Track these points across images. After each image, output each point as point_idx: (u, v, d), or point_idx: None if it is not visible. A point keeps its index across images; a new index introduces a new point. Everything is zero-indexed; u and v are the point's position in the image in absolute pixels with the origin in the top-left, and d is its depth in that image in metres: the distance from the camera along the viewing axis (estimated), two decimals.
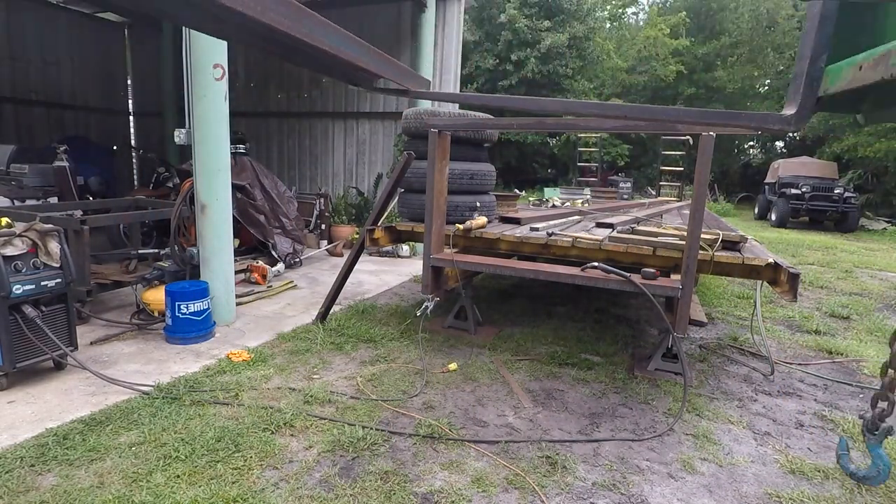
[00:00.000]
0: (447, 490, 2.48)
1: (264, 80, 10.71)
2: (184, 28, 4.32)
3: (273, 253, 6.66)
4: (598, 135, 16.80)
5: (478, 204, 4.90)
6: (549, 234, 4.23)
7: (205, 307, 4.22)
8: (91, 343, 4.06)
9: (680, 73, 24.06)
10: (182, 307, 4.10)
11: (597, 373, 3.89)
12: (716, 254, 3.74)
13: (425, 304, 4.16)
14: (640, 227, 4.69)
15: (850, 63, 1.15)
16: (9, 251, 3.26)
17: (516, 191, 10.11)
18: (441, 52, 8.80)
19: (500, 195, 5.70)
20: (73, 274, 3.56)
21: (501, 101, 3.72)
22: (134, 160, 12.72)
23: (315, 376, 3.67)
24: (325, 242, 8.23)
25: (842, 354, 4.58)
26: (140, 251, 5.66)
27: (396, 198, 5.30)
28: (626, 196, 10.36)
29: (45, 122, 10.83)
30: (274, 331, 4.53)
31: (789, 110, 1.21)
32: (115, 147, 11.56)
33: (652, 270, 3.68)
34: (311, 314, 4.96)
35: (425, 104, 5.59)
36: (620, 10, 27.82)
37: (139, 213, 5.74)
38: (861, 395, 3.77)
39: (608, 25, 27.12)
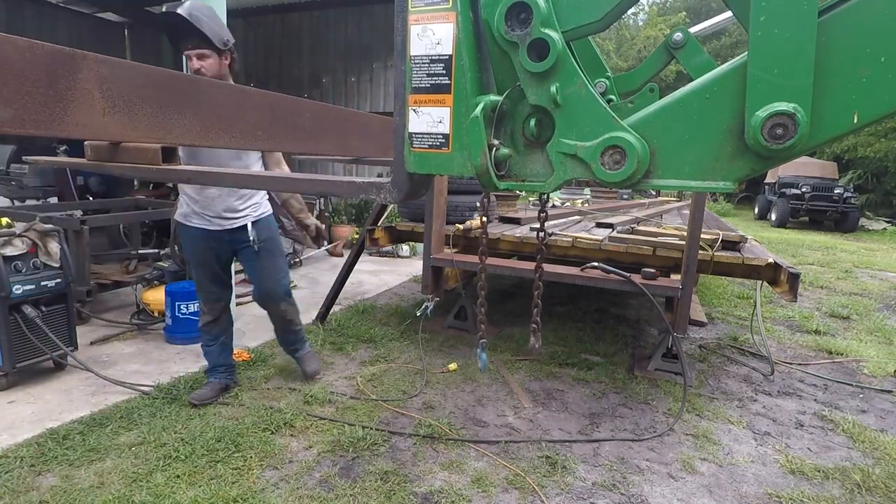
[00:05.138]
0: (447, 490, 2.48)
1: (265, 80, 10.71)
2: None
3: None
4: None
5: (478, 204, 4.90)
6: (549, 234, 4.23)
7: None
8: (91, 343, 4.05)
9: (680, 73, 24.10)
10: (182, 307, 4.09)
11: (597, 373, 3.89)
12: (716, 254, 3.74)
13: (425, 304, 4.16)
14: (640, 227, 4.69)
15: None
16: (9, 251, 3.26)
17: (516, 191, 10.11)
18: None
19: (500, 195, 5.70)
20: (73, 274, 3.56)
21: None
22: None
23: (315, 376, 3.66)
24: (325, 242, 8.23)
25: (842, 354, 4.58)
26: (140, 251, 5.65)
27: None
28: (626, 196, 10.35)
29: None
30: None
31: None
32: None
33: (652, 270, 3.68)
34: (310, 314, 4.95)
35: None
36: None
37: (139, 213, 5.74)
38: (861, 395, 3.77)
39: None
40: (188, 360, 3.85)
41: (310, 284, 6.22)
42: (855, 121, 0.80)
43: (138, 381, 3.42)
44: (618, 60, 23.39)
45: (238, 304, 4.97)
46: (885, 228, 15.76)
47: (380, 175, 9.94)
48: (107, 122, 1.06)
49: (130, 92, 1.10)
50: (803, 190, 15.32)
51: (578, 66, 0.94)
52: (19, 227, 3.49)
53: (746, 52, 0.83)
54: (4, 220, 4.97)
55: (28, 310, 3.27)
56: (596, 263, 3.76)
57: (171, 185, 7.15)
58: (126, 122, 1.10)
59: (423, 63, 1.01)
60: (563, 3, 0.93)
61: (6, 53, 0.89)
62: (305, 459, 2.68)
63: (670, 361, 3.90)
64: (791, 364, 4.31)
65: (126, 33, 12.06)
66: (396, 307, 5.39)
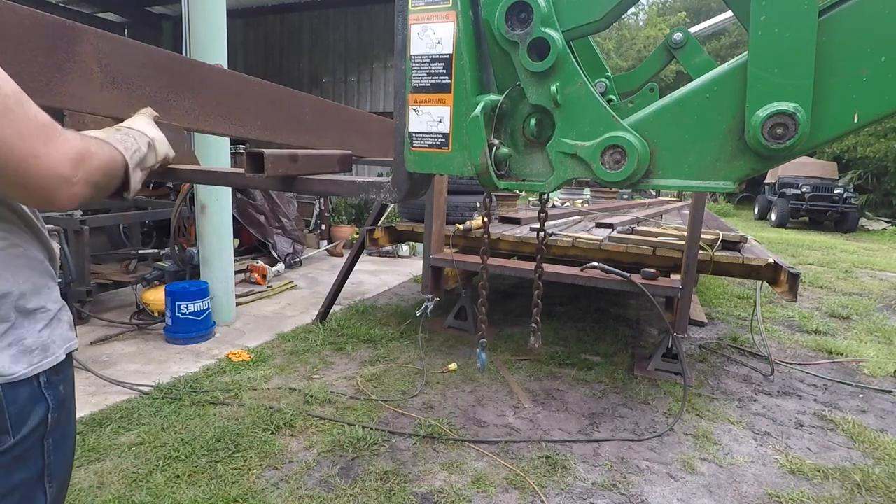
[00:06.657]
0: (447, 490, 2.48)
1: (264, 80, 10.70)
2: (184, 27, 4.32)
3: (273, 253, 6.66)
4: None
5: (478, 204, 4.90)
6: (549, 234, 4.23)
7: (205, 307, 4.21)
8: (91, 343, 4.05)
9: (680, 73, 24.12)
10: (182, 307, 4.09)
11: (597, 373, 3.89)
12: (716, 254, 3.74)
13: (425, 304, 4.16)
14: (640, 228, 4.69)
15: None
16: None
17: (516, 191, 10.10)
18: None
19: (500, 195, 5.69)
20: (73, 274, 3.56)
21: None
22: None
23: (315, 376, 3.67)
24: (325, 242, 8.23)
25: (842, 354, 4.58)
26: (140, 251, 5.66)
27: None
28: (626, 196, 10.35)
29: None
30: (274, 331, 4.53)
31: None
32: None
33: (652, 270, 3.68)
34: (311, 314, 4.96)
35: None
36: None
37: (139, 213, 5.74)
38: (861, 395, 3.77)
39: None
40: (188, 360, 3.85)
41: (310, 284, 6.22)
42: (855, 120, 0.80)
43: (138, 381, 3.42)
44: (618, 60, 23.39)
45: (238, 304, 4.98)
46: (884, 228, 15.76)
47: (380, 175, 9.96)
48: (105, 96, 1.07)
49: (130, 69, 1.10)
50: (803, 190, 15.32)
51: (578, 65, 0.94)
52: None
53: (746, 52, 0.83)
54: None
55: None
56: (596, 263, 3.76)
57: (171, 184, 7.15)
58: (124, 99, 1.10)
59: (424, 62, 1.01)
60: (564, 2, 0.93)
61: (6, 20, 0.89)
62: (305, 459, 2.68)
63: (670, 361, 3.90)
64: (791, 364, 4.31)
65: (126, 33, 12.07)
66: (396, 307, 5.39)
